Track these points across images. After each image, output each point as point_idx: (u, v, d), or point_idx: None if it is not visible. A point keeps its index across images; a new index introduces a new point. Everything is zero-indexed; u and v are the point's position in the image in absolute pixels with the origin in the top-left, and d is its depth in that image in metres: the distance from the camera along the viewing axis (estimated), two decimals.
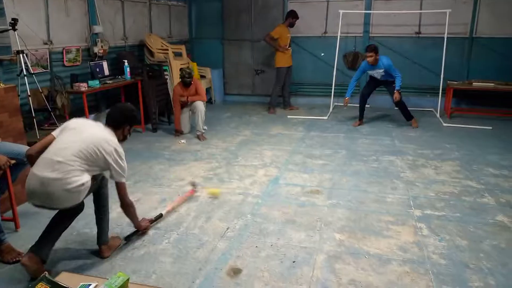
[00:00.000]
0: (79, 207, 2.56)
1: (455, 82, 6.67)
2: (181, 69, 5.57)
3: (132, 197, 3.50)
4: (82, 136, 2.48)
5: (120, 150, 2.57)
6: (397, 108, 6.13)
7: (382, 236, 2.94)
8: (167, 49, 6.60)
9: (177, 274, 2.51)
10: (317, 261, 2.63)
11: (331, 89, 7.01)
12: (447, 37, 6.35)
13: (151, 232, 3.00)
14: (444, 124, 6.14)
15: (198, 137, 5.44)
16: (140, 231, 2.94)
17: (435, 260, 2.64)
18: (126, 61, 5.63)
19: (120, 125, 2.69)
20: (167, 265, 2.60)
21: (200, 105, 5.41)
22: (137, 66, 6.00)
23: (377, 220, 3.17)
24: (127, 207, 2.75)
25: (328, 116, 6.70)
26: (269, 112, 7.08)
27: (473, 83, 6.53)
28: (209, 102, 7.75)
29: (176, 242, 2.86)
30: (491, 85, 6.44)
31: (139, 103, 5.68)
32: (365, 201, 3.52)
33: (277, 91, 7.10)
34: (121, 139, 2.70)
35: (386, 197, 3.60)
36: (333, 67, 6.94)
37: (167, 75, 6.38)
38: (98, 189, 2.65)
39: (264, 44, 7.80)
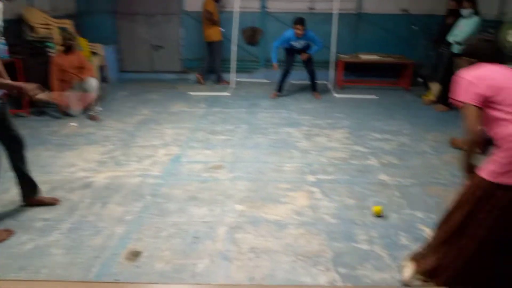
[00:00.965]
0: None
1: (345, 56, 7.15)
2: (61, 33, 5.08)
3: (15, 189, 3.21)
4: None
5: None
6: (307, 71, 6.41)
7: (280, 203, 3.09)
8: (51, 24, 5.98)
9: (71, 264, 2.36)
10: (219, 234, 2.67)
11: (232, 65, 7.02)
12: (337, 13, 6.72)
13: (38, 224, 2.76)
14: (336, 96, 6.58)
15: (90, 117, 5.10)
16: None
17: (326, 220, 2.86)
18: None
19: None
20: (59, 257, 2.43)
21: (93, 82, 5.04)
22: (15, 43, 5.34)
23: (276, 188, 3.31)
24: None
25: (230, 92, 6.73)
26: (221, 83, 7.25)
27: (361, 56, 7.06)
28: (103, 80, 7.25)
29: (69, 232, 2.68)
30: (376, 57, 7.03)
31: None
32: (264, 172, 3.65)
33: (219, 63, 7.23)
34: None
35: (284, 166, 3.77)
36: (232, 43, 6.94)
37: (52, 52, 5.80)
38: None
39: (160, 18, 7.54)
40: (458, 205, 1.96)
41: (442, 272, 1.98)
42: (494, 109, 1.81)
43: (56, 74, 5.02)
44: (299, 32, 5.88)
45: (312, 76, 6.40)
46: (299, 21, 5.89)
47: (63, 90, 5.11)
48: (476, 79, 1.85)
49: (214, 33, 7.03)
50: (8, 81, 2.57)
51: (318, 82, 6.57)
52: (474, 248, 1.87)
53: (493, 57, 1.96)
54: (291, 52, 6.24)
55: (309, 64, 6.30)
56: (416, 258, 2.17)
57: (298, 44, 6.11)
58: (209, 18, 6.90)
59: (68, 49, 5.02)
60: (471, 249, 1.88)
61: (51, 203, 3.02)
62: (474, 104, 1.82)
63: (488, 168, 1.84)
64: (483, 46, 2.00)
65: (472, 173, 1.96)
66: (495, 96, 1.80)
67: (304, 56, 6.17)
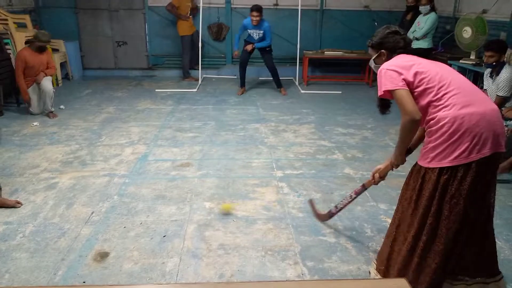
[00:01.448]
0: None
1: (310, 52, 7.27)
2: (37, 32, 4.97)
3: None
4: None
5: None
6: (269, 71, 6.43)
7: (249, 199, 3.13)
8: (7, 19, 5.73)
9: (36, 268, 2.31)
10: (188, 232, 2.68)
11: (198, 61, 6.99)
12: (301, 9, 6.81)
13: (0, 228, 2.67)
14: (302, 91, 6.68)
15: (48, 115, 5.03)
16: None
17: (294, 215, 2.92)
18: None
19: None
20: (23, 261, 2.36)
21: (47, 85, 4.94)
22: None
23: (244, 185, 3.35)
24: None
25: (197, 89, 6.70)
26: (186, 79, 7.25)
27: (325, 52, 7.20)
28: (65, 78, 7.05)
29: (32, 235, 2.61)
30: (339, 53, 7.18)
31: None
32: (233, 168, 3.67)
33: (186, 59, 7.17)
34: None
35: (252, 162, 3.81)
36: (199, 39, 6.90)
37: (10, 49, 5.58)
38: None
39: (123, 13, 7.40)
40: (405, 199, 2.00)
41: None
42: (421, 96, 1.85)
43: (18, 67, 4.87)
44: (254, 19, 5.91)
45: (273, 73, 6.41)
46: (255, 7, 5.90)
47: (27, 86, 4.96)
48: (398, 68, 1.88)
49: (180, 27, 6.98)
50: None
51: (285, 78, 6.64)
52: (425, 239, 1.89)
53: (404, 48, 2.02)
54: (248, 43, 6.25)
55: (268, 61, 6.30)
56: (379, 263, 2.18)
57: (255, 34, 6.12)
58: (172, 12, 6.83)
59: (43, 49, 4.94)
60: (423, 240, 1.90)
61: (13, 205, 2.93)
62: (403, 88, 1.84)
63: (425, 156, 1.88)
64: (394, 38, 2.04)
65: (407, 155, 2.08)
66: (420, 83, 1.84)
67: (248, 47, 6.13)
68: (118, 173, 3.52)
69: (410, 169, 2.02)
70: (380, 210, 3.02)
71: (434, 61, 1.98)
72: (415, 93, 1.86)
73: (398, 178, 3.52)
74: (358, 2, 7.55)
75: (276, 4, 7.50)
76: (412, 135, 1.94)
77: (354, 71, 7.63)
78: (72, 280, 2.22)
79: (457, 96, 1.79)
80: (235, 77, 7.32)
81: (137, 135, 4.47)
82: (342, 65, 7.62)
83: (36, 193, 3.15)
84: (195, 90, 6.60)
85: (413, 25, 5.80)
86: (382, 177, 2.32)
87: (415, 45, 5.67)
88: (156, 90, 6.56)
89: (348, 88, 6.95)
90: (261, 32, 6.06)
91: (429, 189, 1.86)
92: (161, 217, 2.86)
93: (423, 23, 5.63)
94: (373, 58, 2.12)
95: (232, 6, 7.49)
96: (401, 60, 1.94)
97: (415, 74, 1.86)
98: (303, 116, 5.30)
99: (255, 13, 5.87)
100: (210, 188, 3.29)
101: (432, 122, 1.83)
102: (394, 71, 1.87)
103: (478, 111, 1.76)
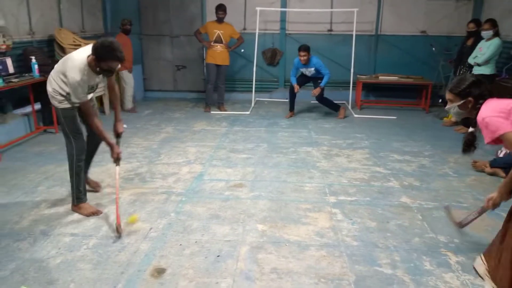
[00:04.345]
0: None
1: (364, 76, 7.21)
2: (123, 19, 6.59)
3: (45, 204, 3.35)
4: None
5: (70, 75, 2.88)
6: (320, 103, 6.50)
7: (301, 224, 3.11)
8: (80, 45, 6.23)
9: (98, 280, 2.43)
10: (241, 253, 2.71)
11: (252, 84, 7.16)
12: (356, 34, 6.81)
13: (67, 239, 2.86)
14: (355, 116, 6.60)
15: (130, 110, 6.56)
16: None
17: (348, 243, 2.87)
18: (33, 57, 5.24)
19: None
20: (87, 272, 2.50)
21: (131, 80, 6.36)
22: (47, 63, 5.60)
23: (296, 209, 3.34)
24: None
25: (250, 111, 6.84)
26: (204, 110, 6.93)
27: (379, 77, 7.11)
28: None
29: (95, 247, 2.76)
30: (394, 78, 7.06)
31: (50, 103, 5.30)
32: (285, 191, 3.68)
33: (209, 88, 6.84)
34: (98, 71, 2.93)
35: (304, 186, 3.80)
36: (253, 63, 7.08)
37: None
38: None
39: (183, 39, 7.79)
40: None
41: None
42: None
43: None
44: (301, 58, 6.06)
45: (325, 103, 6.46)
46: (302, 47, 6.06)
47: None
48: (497, 112, 2.05)
49: (207, 55, 6.86)
50: (107, 135, 3.14)
51: (338, 102, 6.61)
52: None
53: (489, 94, 2.18)
54: (302, 76, 6.43)
55: (317, 96, 6.32)
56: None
57: (307, 72, 6.28)
58: (197, 37, 6.83)
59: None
60: None
61: (93, 186, 3.64)
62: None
63: None
64: (482, 87, 2.20)
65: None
66: None
67: (315, 93, 6.21)
68: (175, 191, 3.65)
69: None
70: (440, 242, 2.88)
71: None
72: None
73: (460, 209, 3.36)
74: (414, 27, 7.43)
75: (331, 30, 7.56)
76: None
77: (410, 96, 7.45)
78: None
79: None
80: (287, 100, 7.39)
81: (194, 154, 4.63)
82: (397, 90, 7.47)
83: (100, 207, 3.34)
84: (248, 112, 6.75)
85: (475, 51, 5.59)
86: (495, 205, 2.36)
87: (477, 71, 5.46)
88: (212, 112, 6.78)
89: (404, 114, 6.78)
90: (312, 69, 6.19)
91: None
92: (215, 236, 2.92)
93: (485, 49, 5.41)
94: (457, 104, 2.26)
95: (286, 32, 7.65)
96: (493, 104, 2.10)
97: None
98: (357, 141, 5.23)
99: (302, 53, 6.03)
100: (262, 210, 3.32)
101: None
102: (496, 116, 2.05)
103: None
